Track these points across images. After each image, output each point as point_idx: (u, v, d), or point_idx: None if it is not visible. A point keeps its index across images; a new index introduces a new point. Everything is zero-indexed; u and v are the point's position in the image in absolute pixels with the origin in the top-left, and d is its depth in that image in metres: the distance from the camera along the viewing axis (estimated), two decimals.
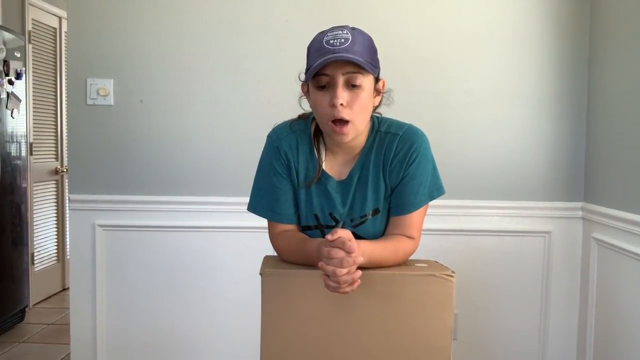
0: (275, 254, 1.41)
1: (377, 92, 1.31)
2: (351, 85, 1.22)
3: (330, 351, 1.24)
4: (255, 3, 2.36)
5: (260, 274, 1.25)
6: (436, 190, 1.36)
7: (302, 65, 1.39)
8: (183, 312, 2.44)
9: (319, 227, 1.36)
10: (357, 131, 1.27)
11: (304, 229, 1.38)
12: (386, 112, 1.44)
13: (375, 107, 1.35)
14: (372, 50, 1.26)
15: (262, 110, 2.35)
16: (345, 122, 1.23)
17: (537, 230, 2.39)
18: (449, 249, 2.33)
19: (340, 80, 1.21)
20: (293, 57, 2.32)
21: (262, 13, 2.36)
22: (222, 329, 2.44)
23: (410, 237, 1.33)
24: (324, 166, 1.35)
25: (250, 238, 2.36)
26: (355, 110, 1.23)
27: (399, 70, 2.32)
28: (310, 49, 1.27)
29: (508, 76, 2.36)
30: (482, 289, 2.41)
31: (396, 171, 1.32)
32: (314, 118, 1.35)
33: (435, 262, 1.35)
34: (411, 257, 1.49)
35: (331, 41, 1.21)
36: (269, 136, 1.40)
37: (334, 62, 1.18)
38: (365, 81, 1.23)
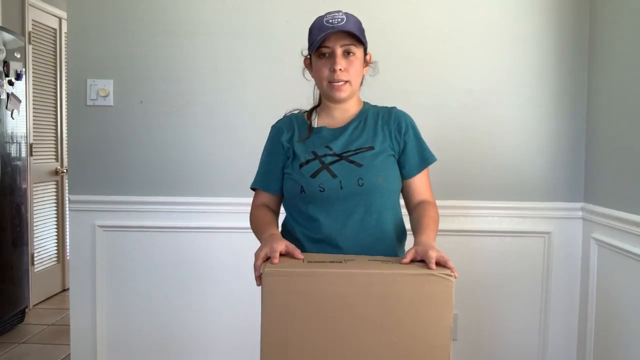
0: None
1: (366, 63, 1.56)
2: (347, 53, 1.47)
3: (330, 351, 1.24)
4: (255, 3, 2.37)
5: (261, 273, 1.25)
6: (432, 156, 1.56)
7: (302, 65, 1.60)
8: (183, 312, 2.44)
9: (316, 158, 1.49)
10: (351, 90, 1.51)
11: (302, 165, 1.49)
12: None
13: (362, 77, 1.58)
14: (362, 29, 1.52)
15: (262, 110, 2.35)
16: (343, 82, 1.48)
17: (537, 230, 2.39)
18: (449, 249, 2.31)
19: (339, 50, 1.46)
20: (293, 57, 2.31)
21: (262, 13, 2.37)
22: (222, 328, 2.44)
23: (432, 202, 1.54)
24: (317, 124, 1.56)
25: (251, 238, 2.34)
26: (351, 72, 1.48)
27: (399, 70, 2.32)
28: (312, 29, 1.51)
29: (508, 76, 2.36)
30: (482, 289, 2.41)
31: (397, 133, 1.53)
32: (305, 111, 1.61)
33: None
34: None
35: (330, 20, 1.47)
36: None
37: (333, 35, 1.45)
38: (358, 51, 1.49)
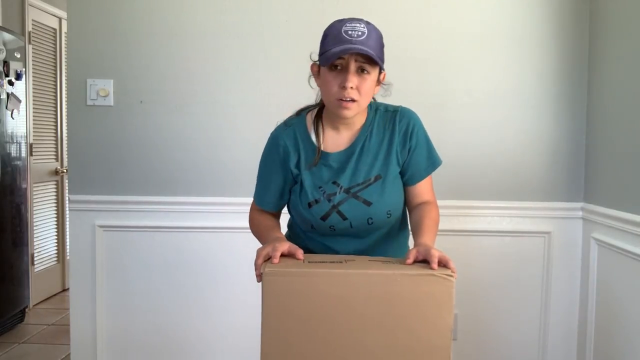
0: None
1: (378, 82, 1.43)
2: (360, 71, 1.34)
3: (331, 351, 1.24)
4: (255, 3, 2.37)
5: (261, 273, 1.25)
6: (438, 159, 1.52)
7: (302, 65, 1.52)
8: (183, 312, 2.44)
9: (325, 198, 1.44)
10: (359, 109, 1.39)
11: (310, 204, 1.44)
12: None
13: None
14: (382, 46, 1.39)
15: (262, 110, 2.36)
16: (351, 100, 1.35)
17: (537, 230, 2.39)
18: (449, 249, 2.30)
19: (353, 66, 1.33)
20: (293, 57, 2.33)
21: (262, 13, 2.36)
22: (222, 329, 2.44)
23: (433, 202, 1.50)
24: (323, 147, 1.46)
25: (251, 238, 2.34)
26: (362, 92, 1.36)
27: (399, 70, 2.31)
28: (328, 34, 1.37)
29: (508, 76, 2.36)
30: (482, 289, 2.41)
31: (402, 143, 1.46)
32: (308, 111, 1.51)
33: None
34: None
35: (349, 32, 1.33)
36: (270, 135, 1.52)
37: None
38: (373, 71, 1.37)
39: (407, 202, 1.54)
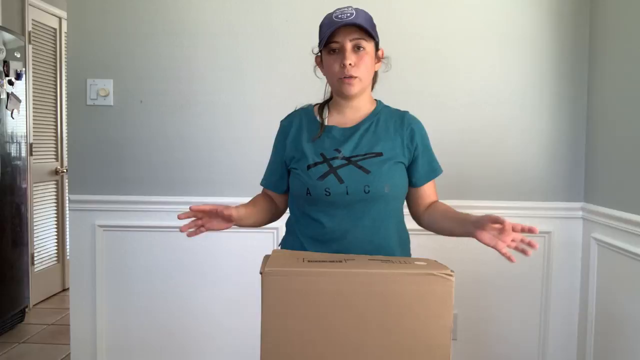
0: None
1: (378, 59, 1.53)
2: (357, 48, 1.44)
3: (330, 351, 1.24)
4: (255, 3, 2.37)
5: (260, 273, 1.25)
6: (439, 168, 1.58)
7: (302, 65, 1.63)
8: (183, 312, 2.44)
9: (325, 161, 1.47)
10: (362, 86, 1.48)
11: (309, 166, 1.47)
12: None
13: (376, 73, 1.57)
14: (373, 24, 1.49)
15: (262, 110, 2.36)
16: (353, 77, 1.45)
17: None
18: (449, 249, 2.33)
19: (349, 45, 1.44)
20: (293, 57, 2.33)
21: (262, 13, 2.37)
22: (222, 328, 2.44)
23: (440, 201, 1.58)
24: (327, 122, 1.53)
25: (250, 238, 2.36)
26: (361, 68, 1.45)
27: (399, 70, 2.30)
28: (321, 25, 1.49)
29: (508, 76, 2.36)
30: (482, 289, 2.41)
31: (410, 137, 1.51)
32: (316, 104, 1.58)
33: (435, 261, 1.35)
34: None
35: (339, 15, 1.45)
36: None
37: (343, 30, 1.43)
38: (369, 46, 1.46)
39: (414, 207, 1.58)
